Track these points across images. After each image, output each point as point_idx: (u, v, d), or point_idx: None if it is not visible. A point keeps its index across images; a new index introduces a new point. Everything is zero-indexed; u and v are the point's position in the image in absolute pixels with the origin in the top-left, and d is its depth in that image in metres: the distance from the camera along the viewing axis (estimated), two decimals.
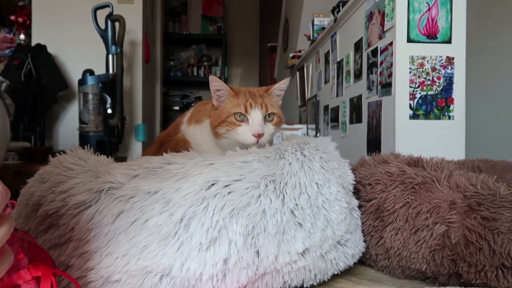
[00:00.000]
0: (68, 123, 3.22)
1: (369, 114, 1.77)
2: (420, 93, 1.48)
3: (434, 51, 1.48)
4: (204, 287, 0.61)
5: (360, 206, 0.84)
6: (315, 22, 2.79)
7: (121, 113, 2.94)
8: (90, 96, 2.77)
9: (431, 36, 1.48)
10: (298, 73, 3.35)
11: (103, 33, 2.86)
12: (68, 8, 3.26)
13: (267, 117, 0.89)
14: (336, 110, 2.30)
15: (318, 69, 2.76)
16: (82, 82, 2.78)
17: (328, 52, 2.48)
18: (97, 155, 0.79)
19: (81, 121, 2.80)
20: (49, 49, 3.08)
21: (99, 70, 2.87)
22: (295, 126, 2.92)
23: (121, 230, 0.61)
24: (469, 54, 1.51)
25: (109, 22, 2.85)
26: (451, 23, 1.48)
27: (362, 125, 1.85)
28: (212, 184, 0.65)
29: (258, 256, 0.63)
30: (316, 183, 0.71)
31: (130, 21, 3.11)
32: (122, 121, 3.03)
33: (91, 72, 2.79)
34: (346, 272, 0.79)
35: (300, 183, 0.70)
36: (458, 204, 0.73)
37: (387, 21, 1.55)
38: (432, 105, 1.49)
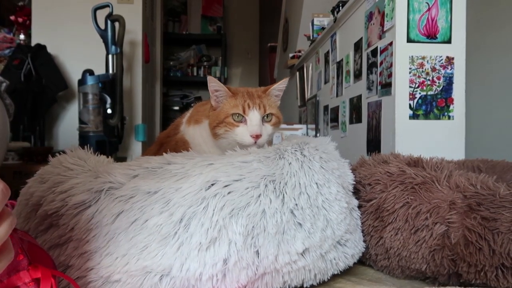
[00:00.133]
0: (68, 123, 3.22)
1: (369, 114, 1.76)
2: (420, 93, 1.48)
3: (434, 51, 1.48)
4: (204, 287, 0.61)
5: (360, 206, 0.84)
6: (315, 22, 2.79)
7: (121, 113, 2.94)
8: (90, 96, 2.77)
9: (431, 36, 1.48)
10: (298, 73, 3.35)
11: (103, 33, 2.86)
12: (68, 8, 3.26)
13: (265, 117, 0.89)
14: (336, 110, 2.29)
15: (318, 69, 2.76)
16: (82, 82, 2.78)
17: (328, 52, 2.48)
18: (97, 155, 0.79)
19: (81, 121, 2.80)
20: (49, 49, 3.08)
21: (99, 70, 2.87)
22: (295, 126, 2.92)
23: (121, 230, 0.61)
24: (469, 54, 1.50)
25: (109, 22, 2.85)
26: (451, 23, 1.48)
27: (362, 125, 1.85)
28: (212, 184, 0.65)
29: (258, 256, 0.63)
30: (316, 183, 0.71)
31: (130, 21, 3.11)
32: (122, 121, 3.03)
33: (91, 72, 2.79)
34: (346, 272, 0.79)
35: (300, 183, 0.70)
36: (458, 204, 0.73)
37: (387, 21, 1.55)
38: (432, 105, 1.49)
